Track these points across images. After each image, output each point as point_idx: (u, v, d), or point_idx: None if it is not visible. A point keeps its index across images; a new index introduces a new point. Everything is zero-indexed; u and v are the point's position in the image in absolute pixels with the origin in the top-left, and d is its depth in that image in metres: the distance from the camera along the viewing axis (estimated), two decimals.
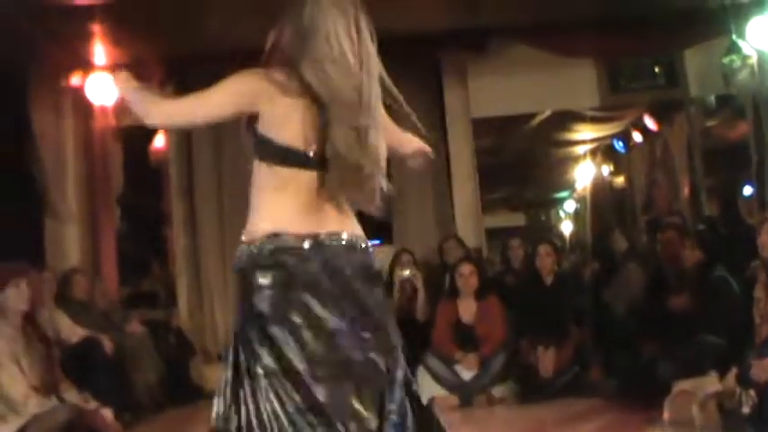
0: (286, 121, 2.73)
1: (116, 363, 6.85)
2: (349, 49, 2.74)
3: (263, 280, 2.72)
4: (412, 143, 3.20)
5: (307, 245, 2.73)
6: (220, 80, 2.79)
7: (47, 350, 5.89)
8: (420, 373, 7.03)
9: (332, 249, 2.76)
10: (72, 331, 6.68)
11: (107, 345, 6.73)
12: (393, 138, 3.04)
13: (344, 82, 2.71)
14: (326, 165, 2.71)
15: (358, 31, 2.78)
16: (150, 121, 2.89)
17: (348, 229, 2.82)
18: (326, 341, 2.70)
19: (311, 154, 2.73)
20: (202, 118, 2.87)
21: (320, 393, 2.66)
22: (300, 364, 2.67)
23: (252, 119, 2.79)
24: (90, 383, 6.22)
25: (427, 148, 3.24)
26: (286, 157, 2.74)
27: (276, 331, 2.69)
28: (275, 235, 2.72)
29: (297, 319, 2.70)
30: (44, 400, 5.64)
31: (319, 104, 2.72)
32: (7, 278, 5.71)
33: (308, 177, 2.74)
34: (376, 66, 2.82)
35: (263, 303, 2.71)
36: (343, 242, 2.79)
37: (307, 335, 2.69)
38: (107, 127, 8.69)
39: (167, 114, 2.92)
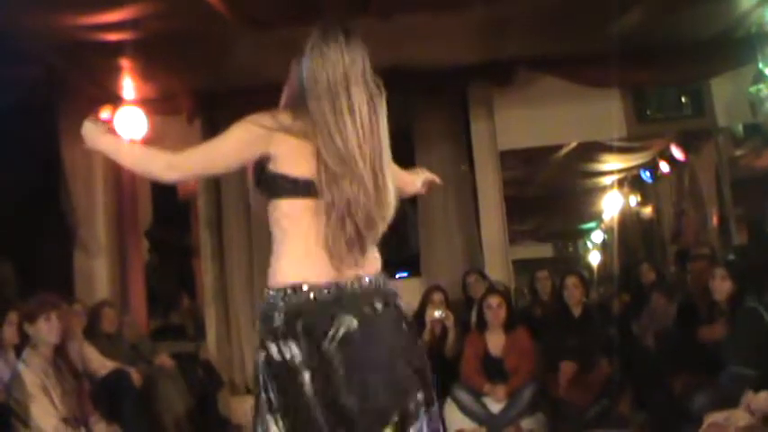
0: (296, 158, 2.73)
1: (144, 395, 6.86)
2: (359, 108, 2.74)
3: (282, 328, 2.72)
4: (415, 181, 3.33)
5: (327, 296, 2.72)
6: (248, 114, 2.79)
7: (77, 382, 5.92)
8: (448, 406, 7.01)
9: (353, 298, 2.75)
10: (101, 364, 6.70)
11: (135, 377, 6.74)
12: (399, 181, 3.09)
13: (346, 137, 2.71)
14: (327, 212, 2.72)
15: (365, 80, 2.78)
16: (163, 178, 2.88)
17: (368, 269, 2.81)
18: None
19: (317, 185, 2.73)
20: (215, 169, 2.91)
21: None
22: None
23: (259, 162, 2.80)
24: (119, 416, 6.24)
25: (434, 178, 3.37)
26: (297, 188, 2.74)
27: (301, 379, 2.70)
28: (295, 288, 2.72)
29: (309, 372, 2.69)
30: None
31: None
32: (38, 311, 5.74)
33: (319, 208, 2.73)
34: (383, 114, 2.82)
35: (284, 351, 2.71)
36: (364, 286, 2.77)
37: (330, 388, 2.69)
38: None
39: (177, 168, 2.86)
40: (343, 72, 2.73)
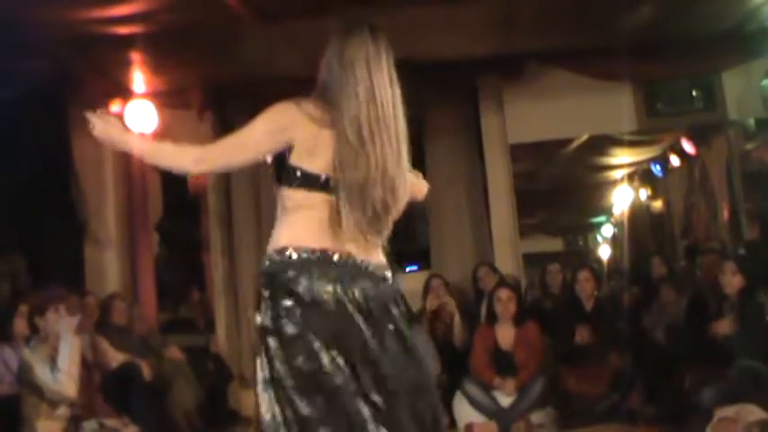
0: (315, 149, 2.76)
1: (154, 388, 6.88)
2: (378, 91, 2.78)
3: (276, 295, 2.76)
4: (422, 188, 3.28)
5: (315, 258, 2.76)
6: (258, 107, 2.82)
7: (87, 374, 5.95)
8: (458, 400, 7.01)
9: (344, 269, 2.78)
10: (112, 356, 6.73)
11: (146, 370, 6.76)
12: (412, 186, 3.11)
13: (371, 123, 2.75)
14: (344, 191, 2.75)
15: (389, 75, 2.82)
16: (191, 170, 3.05)
17: (368, 256, 2.84)
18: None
19: (332, 181, 2.76)
20: (243, 160, 2.88)
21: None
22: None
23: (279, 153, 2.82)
24: (129, 408, 6.26)
25: (423, 187, 3.29)
26: (310, 182, 2.77)
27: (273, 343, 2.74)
28: (286, 248, 2.76)
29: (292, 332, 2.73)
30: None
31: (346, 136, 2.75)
32: (47, 303, 5.78)
33: (329, 201, 2.77)
34: (400, 104, 2.86)
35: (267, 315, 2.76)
36: (357, 265, 2.81)
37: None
38: None
39: (206, 161, 2.89)
40: (366, 62, 2.77)
